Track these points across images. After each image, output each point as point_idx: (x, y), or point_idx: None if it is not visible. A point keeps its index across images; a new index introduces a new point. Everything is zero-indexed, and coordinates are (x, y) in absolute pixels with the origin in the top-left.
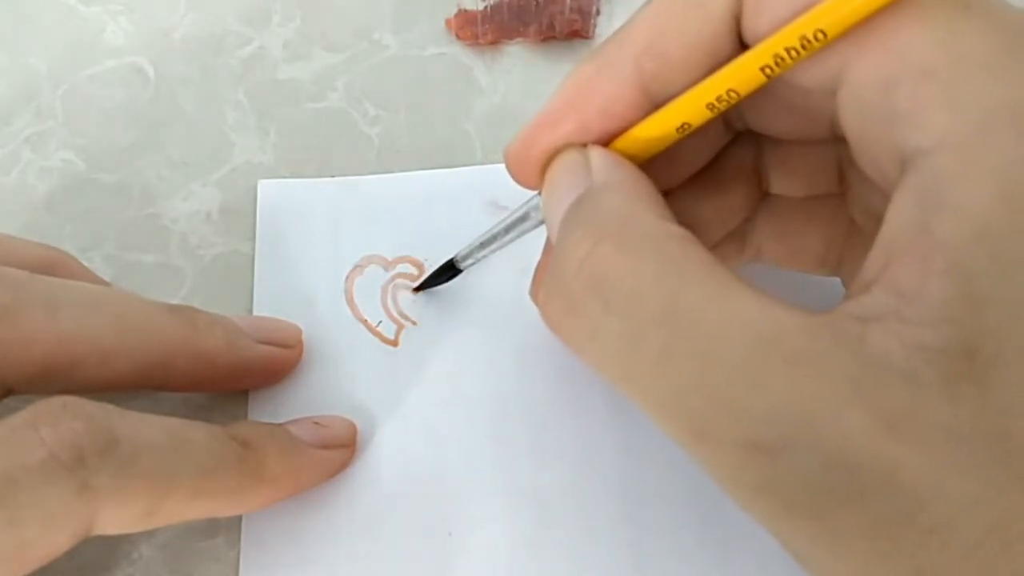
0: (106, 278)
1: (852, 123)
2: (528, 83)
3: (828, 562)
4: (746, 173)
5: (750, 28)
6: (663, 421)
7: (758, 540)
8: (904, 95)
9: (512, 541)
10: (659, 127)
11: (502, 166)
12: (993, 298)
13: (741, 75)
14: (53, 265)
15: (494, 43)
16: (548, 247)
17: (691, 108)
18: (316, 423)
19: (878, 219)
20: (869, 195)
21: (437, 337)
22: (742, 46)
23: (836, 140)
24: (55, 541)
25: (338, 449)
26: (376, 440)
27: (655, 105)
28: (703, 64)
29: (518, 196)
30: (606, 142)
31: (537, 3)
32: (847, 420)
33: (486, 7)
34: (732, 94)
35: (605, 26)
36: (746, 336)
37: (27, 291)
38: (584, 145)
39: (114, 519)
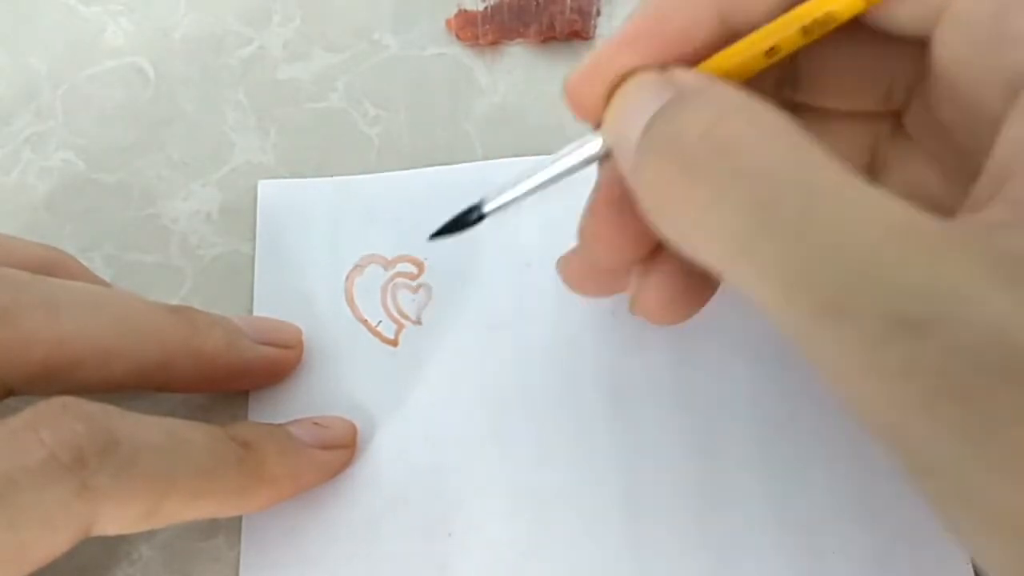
0: (106, 278)
1: (953, 56)
2: (528, 83)
3: (975, 456)
4: None
5: None
6: (783, 298)
7: (758, 540)
8: (1017, 17)
9: (512, 541)
10: (746, 50)
11: (502, 161)
12: None
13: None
14: (53, 265)
15: (494, 43)
16: (604, 180)
17: (785, 29)
18: (316, 423)
19: (920, 195)
20: (912, 168)
21: (437, 337)
22: None
23: (878, 116)
24: (55, 542)
25: (338, 450)
26: (376, 440)
27: (731, 35)
28: None
29: None
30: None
31: (537, 3)
32: (998, 301)
33: (486, 7)
34: (829, 18)
35: (605, 26)
36: (885, 217)
37: (27, 292)
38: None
39: (114, 520)
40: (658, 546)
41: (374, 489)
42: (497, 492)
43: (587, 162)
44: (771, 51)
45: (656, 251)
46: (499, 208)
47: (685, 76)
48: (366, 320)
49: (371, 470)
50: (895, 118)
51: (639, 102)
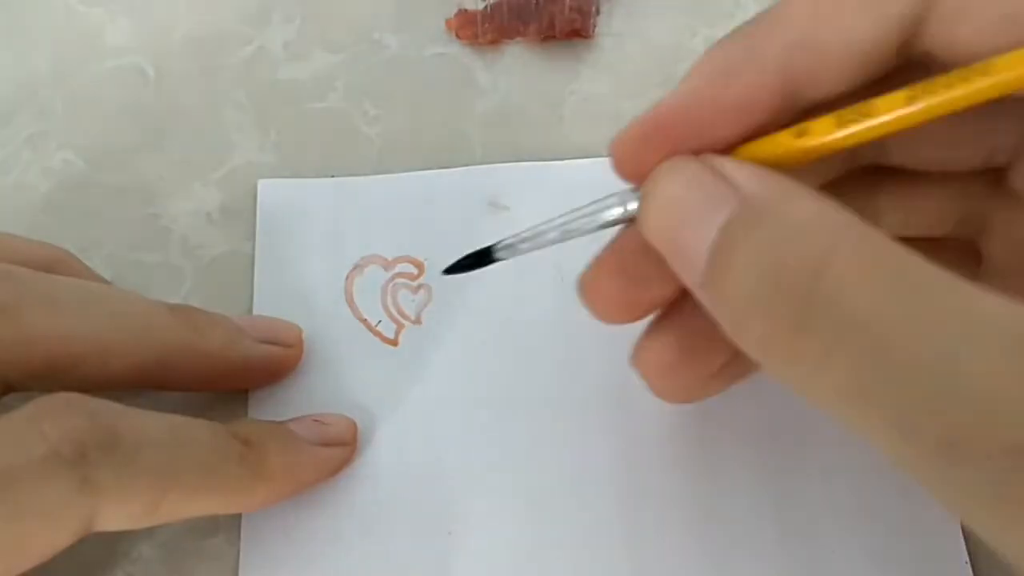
0: (106, 278)
1: None
2: (528, 83)
3: None
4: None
5: (941, 34)
6: (904, 442)
7: (757, 540)
8: None
9: (512, 541)
10: (825, 140)
11: (502, 165)
12: None
13: (968, 88)
14: (54, 264)
15: (494, 43)
16: (619, 245)
17: (889, 126)
18: (317, 421)
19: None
20: (1016, 227)
21: (437, 337)
22: (913, 58)
23: (975, 175)
24: (56, 537)
25: (339, 447)
26: (376, 440)
27: (792, 111)
28: (861, 70)
29: (519, 196)
30: (723, 150)
31: (537, 3)
32: None
33: (486, 7)
34: (952, 106)
35: (605, 25)
36: (1001, 335)
37: (29, 289)
38: (697, 154)
39: (115, 515)
40: (657, 545)
41: (374, 488)
42: (497, 492)
43: (614, 223)
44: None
45: (666, 312)
46: (510, 251)
47: (740, 172)
48: (366, 320)
49: (371, 469)
50: (996, 174)
51: (695, 210)
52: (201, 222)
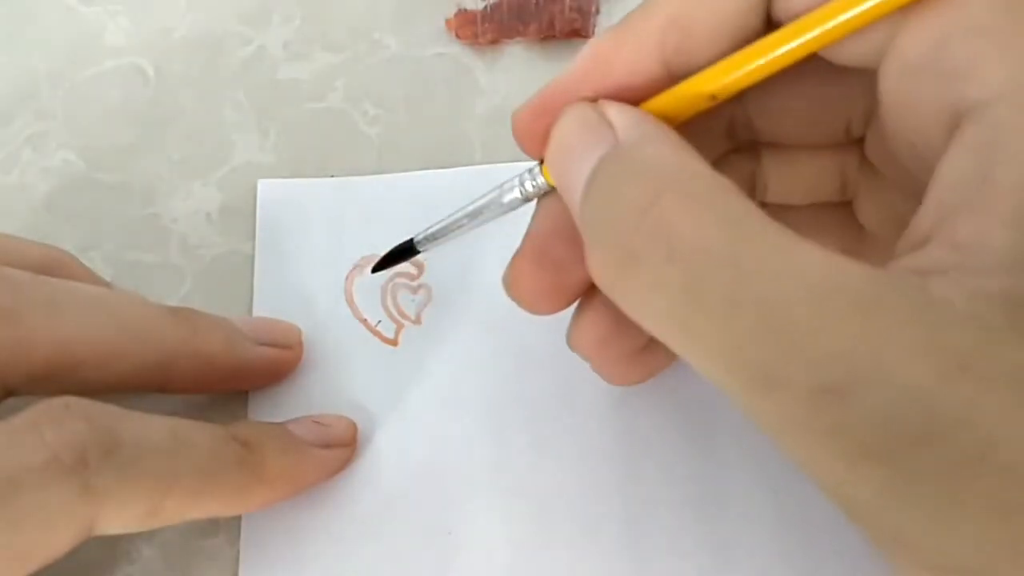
0: (106, 278)
1: (897, 89)
2: (528, 83)
3: (895, 510)
4: (743, 182)
5: (783, 4)
6: (723, 372)
7: (757, 541)
8: (958, 51)
9: (512, 541)
10: (692, 92)
11: (502, 166)
12: None
13: (787, 42)
14: (54, 265)
15: (494, 43)
16: (534, 231)
17: (726, 75)
18: (316, 422)
19: (891, 220)
20: (881, 196)
21: (437, 337)
22: (770, 25)
23: (843, 145)
24: (57, 542)
25: (339, 448)
26: (376, 440)
27: (675, 81)
28: (728, 40)
29: None
30: None
31: (537, 2)
32: (917, 362)
33: (486, 7)
34: (775, 63)
35: (605, 25)
36: (812, 282)
37: (29, 293)
38: (594, 100)
39: (115, 519)
40: (657, 545)
41: (374, 488)
42: (497, 492)
43: (527, 198)
44: (714, 96)
45: (590, 290)
46: (431, 241)
47: (620, 116)
48: (366, 320)
49: (371, 469)
50: (860, 146)
51: (578, 147)
52: (201, 222)
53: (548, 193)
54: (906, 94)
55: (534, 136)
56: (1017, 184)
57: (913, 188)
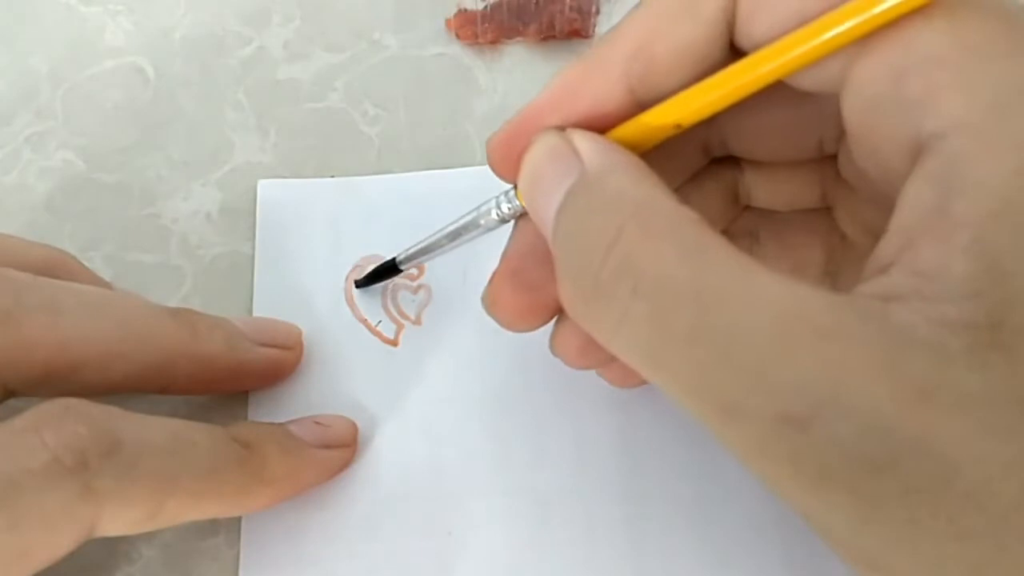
0: (106, 278)
1: (858, 119)
2: (528, 83)
3: (862, 534)
4: (726, 193)
5: (745, 33)
6: (691, 401)
7: (757, 541)
8: (915, 83)
9: (512, 541)
10: (655, 121)
11: None
12: (1017, 270)
13: (747, 75)
14: (54, 266)
15: (494, 43)
16: (511, 252)
17: (687, 105)
18: (317, 422)
19: (868, 231)
20: (857, 208)
21: (437, 337)
22: (734, 52)
23: (819, 160)
24: (57, 544)
25: (339, 449)
26: (376, 440)
27: (641, 109)
28: (691, 69)
29: None
30: None
31: (537, 2)
32: (877, 389)
33: (486, 7)
34: (736, 92)
35: (605, 25)
36: (772, 311)
37: (29, 294)
38: (562, 129)
39: (116, 521)
40: (657, 545)
41: (374, 489)
42: (497, 492)
43: (504, 220)
44: (677, 125)
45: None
46: (413, 260)
47: (586, 145)
48: (366, 320)
49: (371, 470)
50: (834, 160)
51: (548, 177)
52: (201, 222)
53: (523, 215)
54: (868, 123)
55: (507, 161)
56: (976, 214)
57: (885, 204)
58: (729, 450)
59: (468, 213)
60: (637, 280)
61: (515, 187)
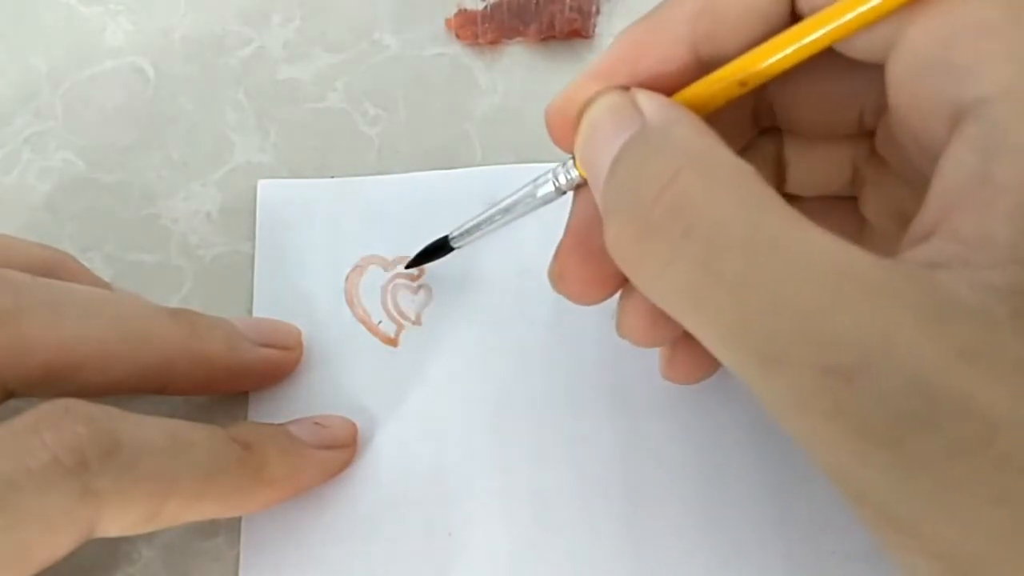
0: (106, 278)
1: (903, 85)
2: (528, 83)
3: (898, 493)
4: (768, 169)
5: None
6: (731, 349)
7: (758, 541)
8: (964, 49)
9: (512, 541)
10: (723, 78)
11: (502, 167)
12: None
13: (808, 33)
14: (54, 266)
15: (494, 43)
16: (574, 223)
17: (757, 62)
18: (316, 423)
19: (894, 215)
20: (887, 190)
21: (437, 337)
22: (795, 17)
23: (856, 137)
24: (57, 544)
25: (338, 449)
26: (376, 440)
27: (704, 69)
28: (756, 28)
29: None
30: None
31: (537, 2)
32: (923, 348)
33: (486, 7)
34: (801, 52)
35: (605, 25)
36: (824, 264)
37: (29, 295)
38: (626, 88)
39: (116, 522)
40: (658, 546)
41: (374, 489)
42: (497, 492)
43: (561, 191)
44: (743, 83)
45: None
46: (467, 239)
47: (649, 103)
48: (366, 320)
49: (371, 470)
50: (871, 139)
51: (606, 131)
52: (201, 222)
53: (582, 186)
54: (912, 89)
55: (566, 128)
56: (1018, 179)
57: (918, 182)
58: (765, 401)
59: (523, 186)
60: (690, 221)
61: (573, 158)
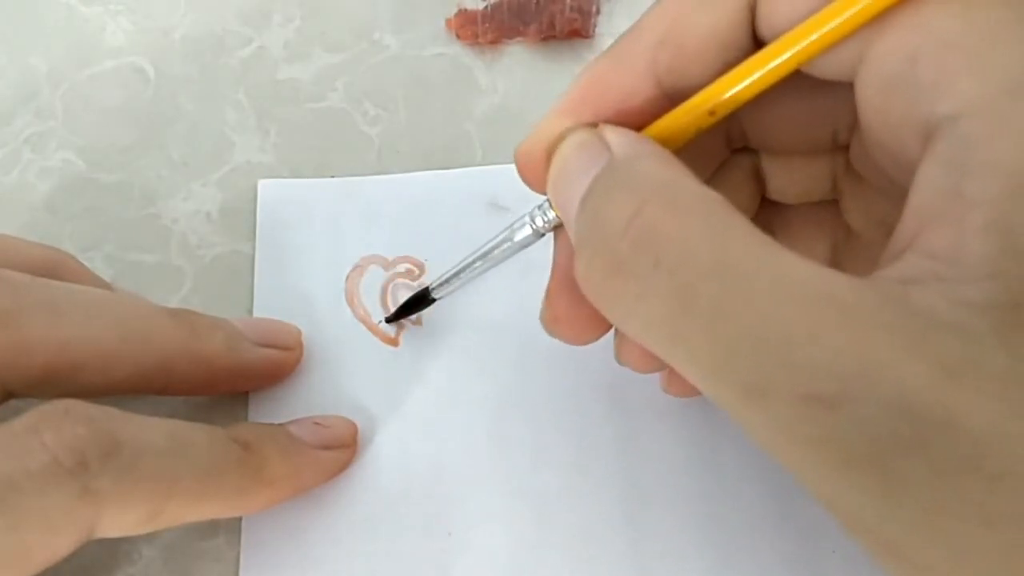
0: (106, 278)
1: (872, 103)
2: (528, 83)
3: (888, 519)
4: (748, 181)
5: (766, 20)
6: (713, 381)
7: (758, 541)
8: (928, 66)
9: (512, 541)
10: (692, 109)
11: (502, 167)
12: None
13: (773, 57)
14: (54, 266)
15: (494, 43)
16: (558, 265)
17: (725, 90)
18: (316, 423)
19: (876, 223)
20: (866, 200)
21: (437, 337)
22: (756, 42)
23: (832, 150)
24: (57, 545)
25: (339, 449)
26: (376, 440)
27: (671, 100)
28: (718, 57)
29: (518, 196)
30: None
31: (537, 2)
32: (904, 370)
33: (486, 6)
34: (768, 77)
35: (605, 25)
36: (798, 290)
37: (29, 295)
38: (594, 125)
39: (116, 523)
40: (658, 546)
41: (374, 489)
42: (497, 492)
43: (539, 233)
44: (712, 112)
45: None
46: (447, 288)
47: (616, 138)
48: (366, 320)
49: (371, 470)
50: (847, 152)
51: (575, 168)
52: (201, 222)
53: (560, 226)
54: (881, 107)
55: (536, 169)
56: (990, 194)
57: (896, 194)
58: (750, 433)
59: (501, 232)
60: (660, 253)
61: (549, 200)
